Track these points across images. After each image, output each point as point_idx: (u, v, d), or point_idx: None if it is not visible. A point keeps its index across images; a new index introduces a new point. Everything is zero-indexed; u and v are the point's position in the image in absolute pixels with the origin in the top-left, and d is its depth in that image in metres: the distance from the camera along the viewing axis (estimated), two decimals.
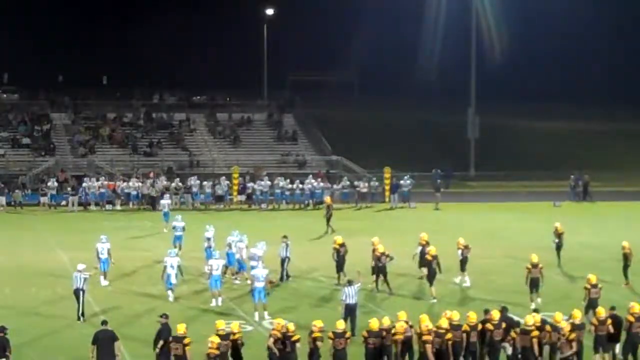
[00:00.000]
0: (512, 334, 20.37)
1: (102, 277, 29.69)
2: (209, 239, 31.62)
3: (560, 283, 30.64)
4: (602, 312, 21.35)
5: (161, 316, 20.58)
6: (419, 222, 44.97)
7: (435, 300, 27.73)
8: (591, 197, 56.61)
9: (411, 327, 20.35)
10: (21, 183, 51.99)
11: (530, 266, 27.12)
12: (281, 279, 30.56)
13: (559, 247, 33.97)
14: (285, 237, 30.87)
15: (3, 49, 73.91)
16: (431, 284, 28.33)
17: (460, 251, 30.29)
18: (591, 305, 23.72)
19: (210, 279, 27.21)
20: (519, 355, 20.18)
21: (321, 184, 53.35)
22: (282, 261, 30.64)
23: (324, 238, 39.51)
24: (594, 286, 24.29)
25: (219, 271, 27.31)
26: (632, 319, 20.98)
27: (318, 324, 19.90)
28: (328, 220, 41.98)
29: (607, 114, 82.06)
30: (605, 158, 71.18)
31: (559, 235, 34.10)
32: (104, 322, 20.33)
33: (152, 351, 20.45)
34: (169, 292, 27.82)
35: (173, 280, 27.64)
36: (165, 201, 44.14)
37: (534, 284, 26.96)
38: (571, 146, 75.37)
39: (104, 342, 19.63)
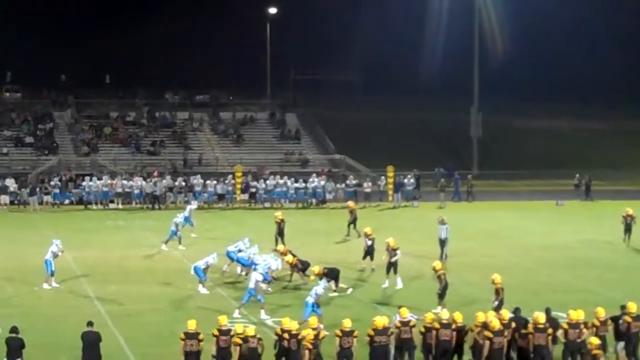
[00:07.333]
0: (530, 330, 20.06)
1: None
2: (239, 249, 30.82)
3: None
4: (602, 312, 20.64)
5: None
6: (421, 221, 44.94)
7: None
8: (590, 197, 56.45)
9: (412, 327, 20.29)
10: (29, 182, 51.99)
11: None
12: (441, 258, 31.72)
13: (628, 228, 36.71)
14: (443, 219, 32.77)
15: (6, 48, 73.86)
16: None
17: (390, 252, 29.32)
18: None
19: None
20: (532, 355, 19.82)
21: (322, 182, 53.28)
22: (442, 242, 32.36)
23: (337, 239, 39.35)
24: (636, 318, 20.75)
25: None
26: (629, 319, 20.44)
27: (347, 323, 19.74)
28: (350, 224, 39.24)
29: (609, 113, 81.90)
30: (607, 157, 71.09)
31: (629, 217, 36.98)
32: (90, 324, 19.88)
33: (155, 350, 20.37)
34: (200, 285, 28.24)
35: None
36: (192, 206, 40.93)
37: None
38: (574, 145, 75.31)
39: (89, 343, 19.39)
